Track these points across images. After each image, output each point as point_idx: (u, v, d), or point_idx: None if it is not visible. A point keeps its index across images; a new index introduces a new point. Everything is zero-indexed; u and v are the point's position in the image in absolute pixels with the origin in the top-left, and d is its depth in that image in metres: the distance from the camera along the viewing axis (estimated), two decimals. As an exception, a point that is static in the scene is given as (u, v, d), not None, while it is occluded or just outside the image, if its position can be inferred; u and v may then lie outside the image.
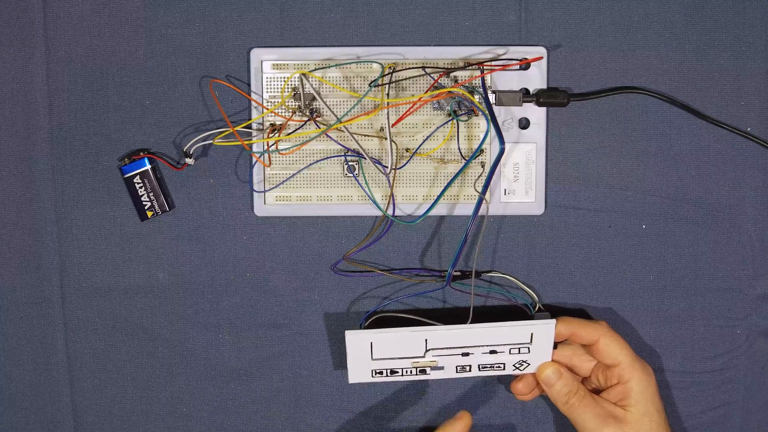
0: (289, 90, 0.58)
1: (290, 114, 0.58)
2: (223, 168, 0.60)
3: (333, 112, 0.57)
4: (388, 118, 0.57)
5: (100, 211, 0.60)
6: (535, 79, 0.58)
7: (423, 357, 0.57)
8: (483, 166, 0.59)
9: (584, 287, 0.60)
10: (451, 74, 0.58)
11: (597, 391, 0.58)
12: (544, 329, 0.56)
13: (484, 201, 0.56)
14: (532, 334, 0.56)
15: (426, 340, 0.56)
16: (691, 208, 0.60)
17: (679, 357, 0.61)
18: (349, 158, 0.58)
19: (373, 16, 0.59)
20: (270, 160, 0.59)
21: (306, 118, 0.58)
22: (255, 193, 0.59)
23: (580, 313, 0.60)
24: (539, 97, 0.58)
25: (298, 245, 0.60)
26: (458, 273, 0.59)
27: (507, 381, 0.61)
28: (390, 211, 0.58)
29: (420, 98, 0.57)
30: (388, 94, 0.57)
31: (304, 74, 0.57)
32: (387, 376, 0.58)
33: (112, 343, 0.61)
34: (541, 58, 0.58)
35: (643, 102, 0.59)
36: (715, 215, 0.60)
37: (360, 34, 0.59)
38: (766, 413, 0.61)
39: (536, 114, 0.59)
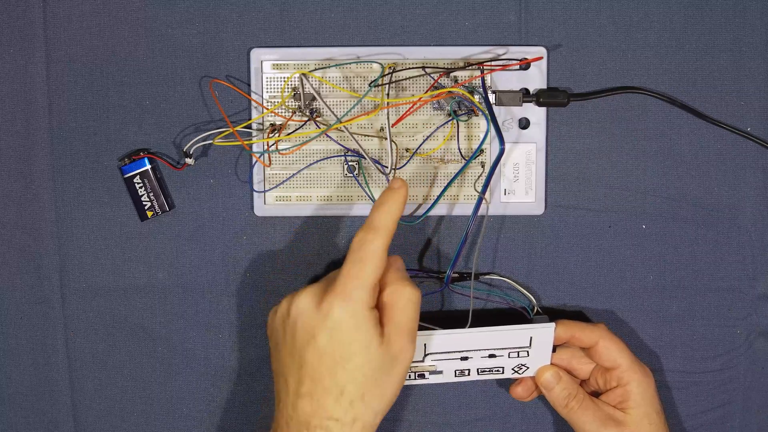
0: (289, 90, 0.58)
1: (290, 114, 0.58)
2: (223, 168, 0.60)
3: (333, 112, 0.57)
4: (388, 118, 0.57)
5: (100, 211, 0.60)
6: (535, 79, 0.58)
7: (422, 362, 0.56)
8: (483, 166, 0.59)
9: (584, 287, 0.60)
10: (451, 74, 0.58)
11: (596, 394, 0.58)
12: (544, 333, 0.56)
13: (484, 201, 0.56)
14: (531, 337, 0.56)
15: (425, 344, 0.56)
16: (691, 208, 0.60)
17: (679, 357, 0.61)
18: (349, 158, 0.58)
19: (373, 16, 0.59)
20: (270, 160, 0.59)
21: (306, 118, 0.58)
22: (255, 193, 0.59)
23: (579, 315, 0.60)
24: (539, 97, 0.58)
25: (298, 245, 0.60)
26: (456, 275, 0.59)
27: (506, 383, 0.61)
28: (390, 211, 0.58)
29: (420, 98, 0.57)
30: (388, 94, 0.57)
31: (304, 74, 0.57)
32: None
33: (112, 343, 0.61)
34: (541, 58, 0.58)
35: (643, 102, 0.59)
36: (715, 215, 0.60)
37: (360, 34, 0.59)
38: (766, 413, 0.61)
39: (536, 114, 0.59)
